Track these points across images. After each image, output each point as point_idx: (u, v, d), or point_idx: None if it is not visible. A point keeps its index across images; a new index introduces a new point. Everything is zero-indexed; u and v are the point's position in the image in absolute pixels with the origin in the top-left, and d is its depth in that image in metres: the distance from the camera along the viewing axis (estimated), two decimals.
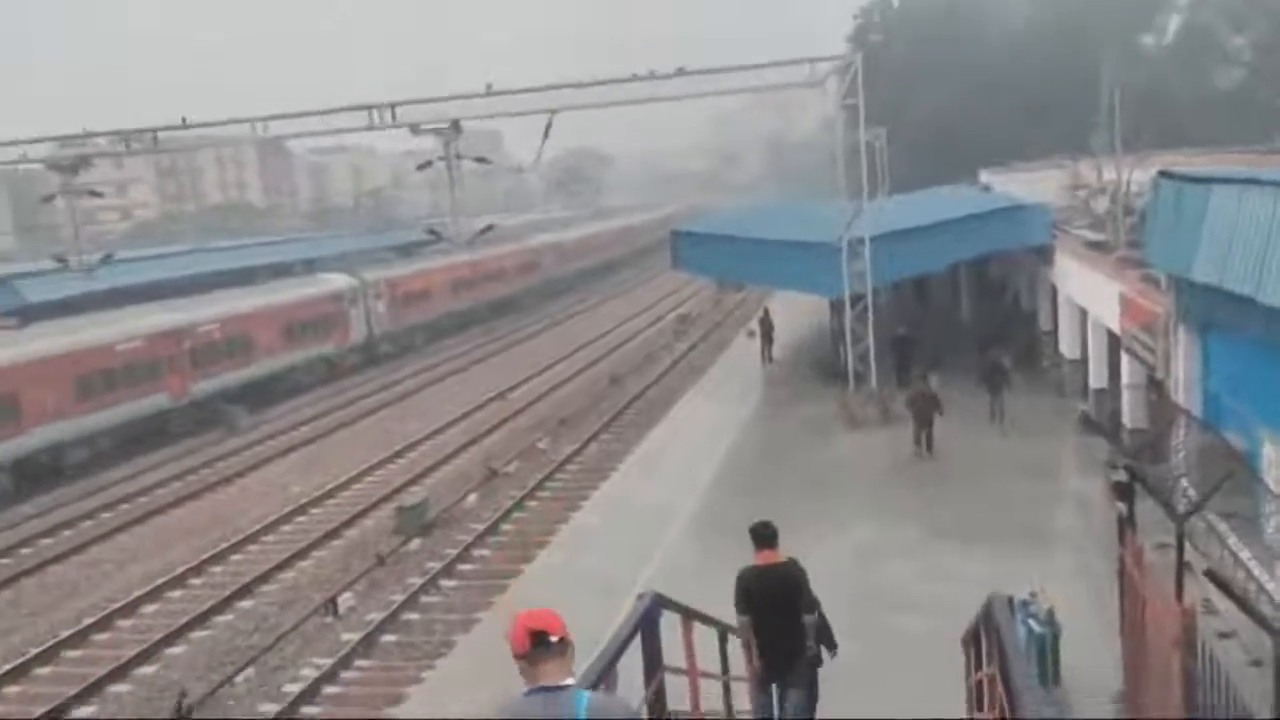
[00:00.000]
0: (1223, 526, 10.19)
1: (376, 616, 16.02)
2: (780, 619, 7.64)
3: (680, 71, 23.53)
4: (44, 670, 15.45)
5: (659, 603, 7.07)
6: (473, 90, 25.34)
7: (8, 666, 15.24)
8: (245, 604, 17.32)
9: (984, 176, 42.71)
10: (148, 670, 15.09)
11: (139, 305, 32.55)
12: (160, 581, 18.36)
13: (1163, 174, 14.32)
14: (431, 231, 48.28)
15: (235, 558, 19.69)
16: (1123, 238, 20.71)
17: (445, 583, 17.49)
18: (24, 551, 21.01)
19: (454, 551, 18.61)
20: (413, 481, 23.65)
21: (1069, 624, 10.80)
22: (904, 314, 33.02)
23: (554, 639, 3.67)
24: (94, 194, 35.25)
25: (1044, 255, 26.04)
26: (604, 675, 5.54)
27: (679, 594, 11.90)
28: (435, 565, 18.05)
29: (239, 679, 14.37)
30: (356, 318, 39.99)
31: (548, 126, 24.96)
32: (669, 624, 7.52)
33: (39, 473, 25.65)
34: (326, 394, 35.79)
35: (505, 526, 20.13)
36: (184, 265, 43.43)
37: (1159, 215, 14.33)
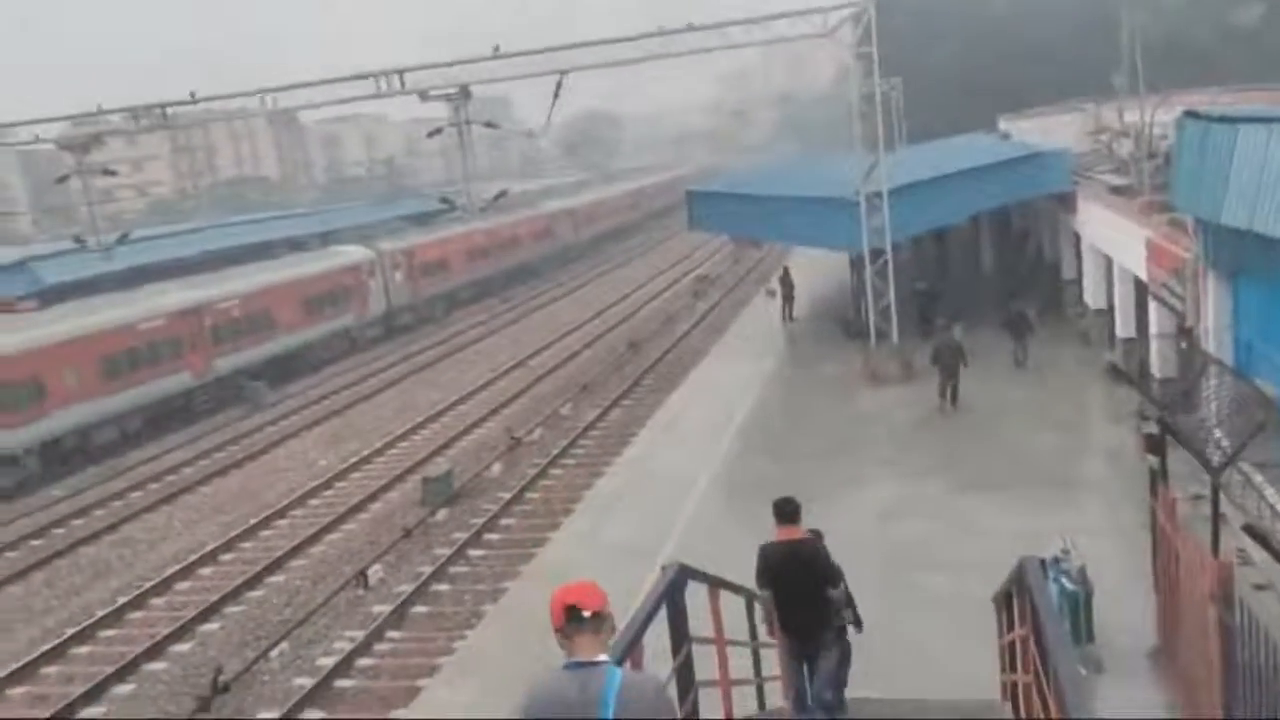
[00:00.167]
0: (1259, 478, 10.00)
1: (406, 588, 16.13)
2: (803, 594, 7.61)
3: (690, 27, 23.13)
4: (82, 650, 15.65)
5: (684, 573, 7.00)
6: (480, 54, 25.03)
7: (45, 648, 15.45)
8: (276, 579, 17.48)
9: (1002, 123, 42.03)
10: (183, 648, 15.27)
11: (158, 284, 32.66)
12: (191, 559, 18.55)
13: (1188, 114, 13.93)
14: (445, 200, 48.24)
15: (264, 533, 19.86)
16: (1147, 182, 20.27)
17: (473, 552, 17.57)
18: (56, 532, 21.26)
19: (480, 521, 18.68)
20: (437, 452, 23.72)
21: (1100, 579, 10.68)
22: (924, 268, 32.69)
23: (587, 614, 3.70)
24: (108, 172, 35.36)
25: (1066, 203, 25.62)
26: (630, 649, 5.49)
27: (703, 557, 11.88)
28: (462, 535, 18.12)
29: (273, 654, 14.52)
30: (375, 289, 39.99)
31: (557, 88, 24.66)
32: (695, 591, 7.49)
33: (66, 455, 25.89)
34: (348, 367, 35.91)
35: (530, 495, 20.17)
36: (201, 242, 43.58)
37: (1185, 157, 13.96)
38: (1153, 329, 18.07)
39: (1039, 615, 5.73)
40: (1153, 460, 10.24)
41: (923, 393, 21.47)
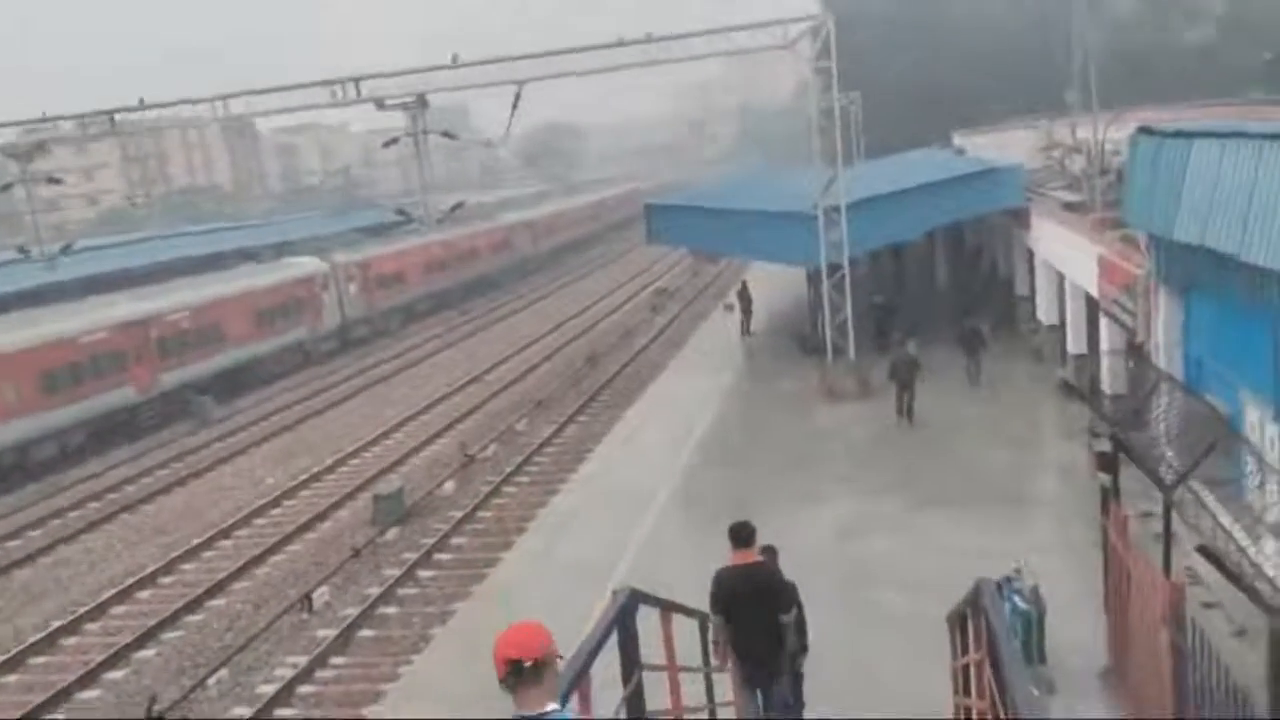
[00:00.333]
0: (1209, 496, 9.98)
1: (352, 611, 15.68)
2: (757, 620, 7.51)
3: (649, 37, 23.04)
4: (10, 678, 15.02)
5: (635, 598, 6.76)
6: (438, 63, 24.76)
7: None
8: (217, 602, 16.93)
9: (957, 138, 42.44)
10: (116, 675, 14.70)
11: (103, 295, 31.84)
12: (129, 582, 17.93)
13: (1141, 130, 13.99)
14: (401, 212, 47.72)
15: (207, 554, 19.27)
16: (1100, 198, 20.43)
17: (423, 573, 17.16)
18: None
19: (431, 541, 18.28)
20: (389, 469, 23.25)
21: (1052, 597, 10.58)
22: (881, 283, 32.82)
23: (528, 664, 3.54)
24: (53, 181, 34.50)
25: (1019, 219, 25.78)
26: (577, 681, 5.24)
27: (659, 575, 11.63)
28: (412, 556, 17.71)
29: (211, 681, 14.01)
30: (329, 302, 39.34)
31: (516, 98, 24.48)
32: (647, 614, 7.26)
33: (4, 472, 25.04)
34: (300, 381, 35.24)
35: (483, 513, 19.79)
36: (150, 253, 42.70)
37: (1137, 173, 14.02)
38: (1104, 345, 18.15)
39: (996, 641, 5.56)
40: (1104, 478, 10.18)
41: (879, 409, 21.44)
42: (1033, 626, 10.07)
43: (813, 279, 27.12)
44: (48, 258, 33.30)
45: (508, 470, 21.88)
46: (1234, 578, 6.48)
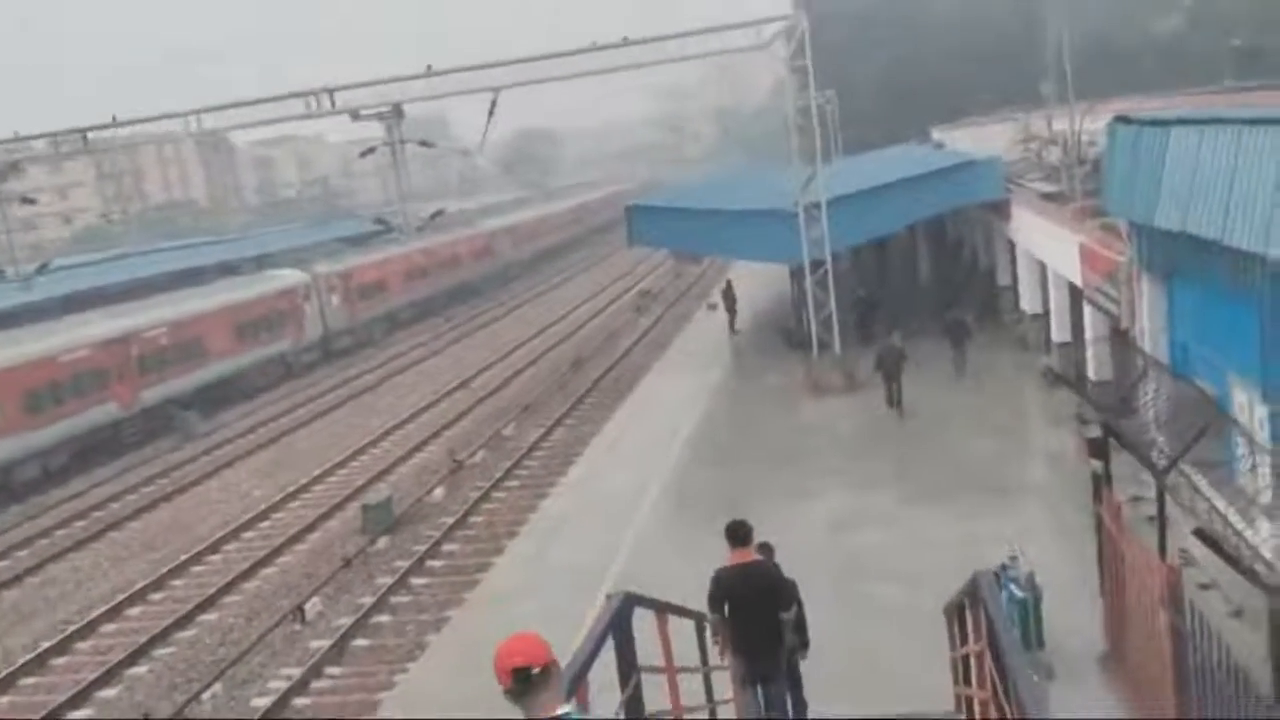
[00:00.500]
0: (1200, 480, 10.04)
1: (345, 621, 15.58)
2: (758, 617, 7.52)
3: (625, 41, 23.03)
4: (0, 700, 14.82)
5: (630, 601, 6.74)
6: (413, 72, 24.66)
7: None
8: (209, 617, 16.77)
9: (935, 134, 42.66)
10: (109, 693, 14.54)
11: (82, 314, 31.55)
12: (119, 599, 17.73)
13: (1119, 119, 14.07)
14: (380, 220, 47.52)
15: (196, 569, 19.09)
16: (1079, 188, 20.57)
17: (415, 581, 17.06)
18: None
19: (422, 548, 18.18)
20: (377, 478, 23.11)
21: (1047, 584, 10.62)
22: (864, 278, 32.95)
23: (536, 670, 3.50)
24: (27, 200, 34.15)
25: (999, 210, 25.94)
26: (575, 686, 5.22)
27: (652, 576, 11.61)
28: (404, 564, 17.61)
29: (205, 696, 13.88)
30: (310, 313, 39.10)
31: (492, 105, 24.40)
32: (643, 614, 7.24)
33: None
34: (284, 394, 35.01)
35: (474, 519, 19.71)
36: (127, 269, 42.33)
37: (1116, 162, 14.10)
38: (1088, 333, 18.26)
39: (996, 632, 5.57)
40: (1096, 464, 10.24)
41: (866, 402, 21.53)
42: (1029, 613, 10.11)
43: (796, 276, 27.19)
44: (23, 278, 32.95)
45: (497, 475, 21.80)
46: (1232, 560, 6.51)
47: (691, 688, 8.39)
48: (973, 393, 21.54)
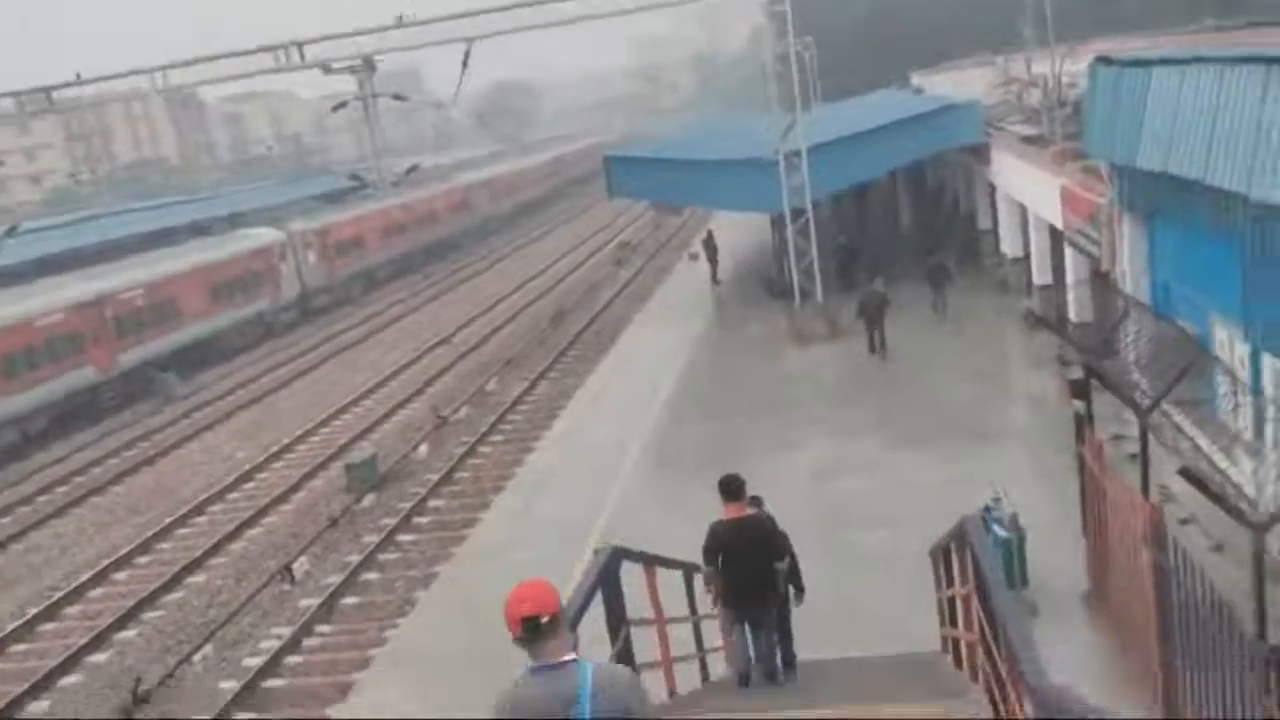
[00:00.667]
0: (1179, 417, 10.11)
1: (334, 580, 15.57)
2: (752, 569, 7.62)
3: None
4: None
5: (618, 555, 6.75)
6: (384, 24, 24.15)
7: None
8: (197, 579, 16.73)
9: (915, 79, 42.30)
10: (99, 658, 14.51)
11: (54, 277, 31.07)
12: (105, 564, 17.65)
13: (1100, 60, 13.96)
14: (354, 177, 46.84)
15: (182, 532, 19.03)
16: (1059, 130, 20.48)
17: (402, 538, 17.06)
18: None
19: (408, 505, 18.15)
20: (360, 436, 23.02)
21: (1030, 524, 10.74)
22: (845, 225, 32.87)
23: (545, 619, 3.65)
24: None
25: (979, 154, 25.83)
26: None
27: (640, 527, 11.65)
28: (390, 521, 17.59)
29: (196, 658, 13.88)
30: (287, 272, 38.66)
31: (466, 56, 24.05)
32: (631, 565, 7.26)
33: None
34: (263, 354, 34.74)
35: (459, 474, 19.69)
36: (99, 231, 41.65)
37: (1098, 103, 14.02)
38: (1069, 275, 18.30)
39: (983, 574, 5.60)
40: (1078, 405, 10.29)
41: (849, 349, 21.58)
42: (1013, 553, 10.22)
43: (777, 224, 27.08)
44: None
45: (481, 431, 21.76)
46: (1218, 498, 6.55)
47: (680, 637, 8.46)
48: (954, 337, 21.62)
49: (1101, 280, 15.81)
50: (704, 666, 8.91)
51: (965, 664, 7.30)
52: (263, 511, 19.16)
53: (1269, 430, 10.05)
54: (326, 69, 26.17)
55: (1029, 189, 20.77)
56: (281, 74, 25.82)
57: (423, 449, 21.49)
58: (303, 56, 24.79)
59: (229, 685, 13.02)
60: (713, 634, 8.68)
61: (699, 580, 8.37)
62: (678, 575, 8.60)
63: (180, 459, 23.94)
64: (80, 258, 35.48)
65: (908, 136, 26.55)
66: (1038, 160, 20.09)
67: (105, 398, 29.16)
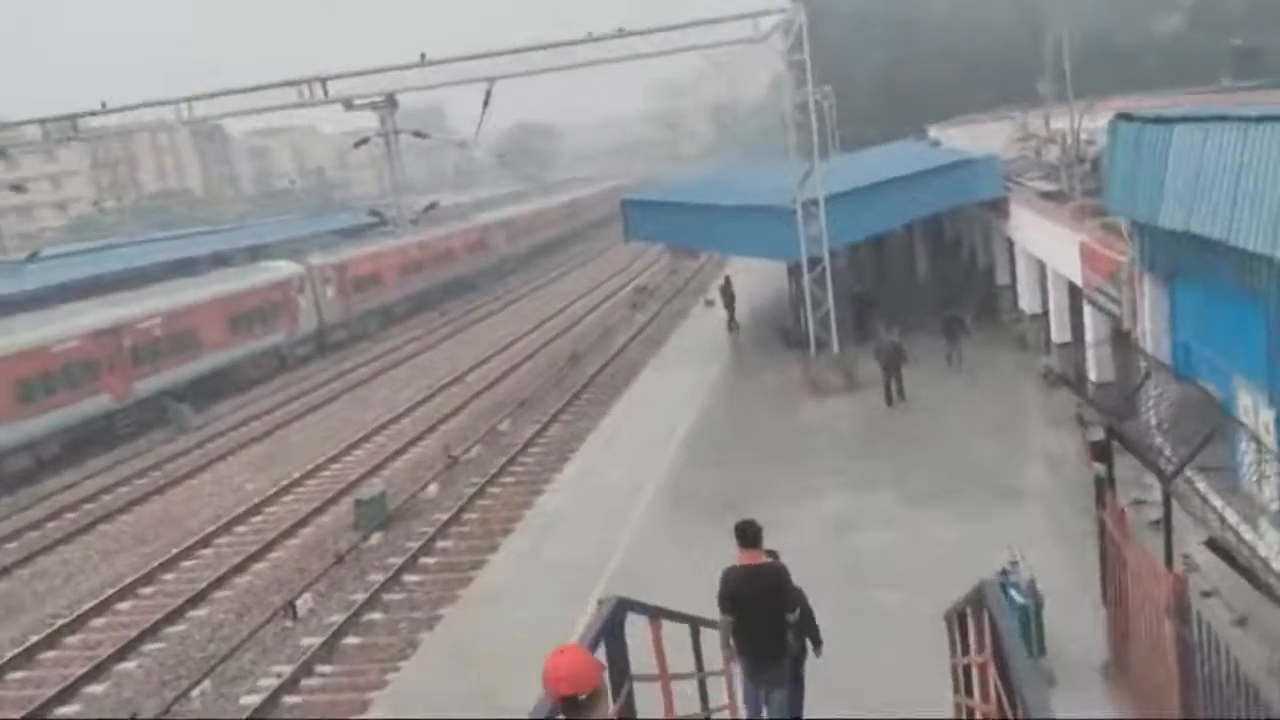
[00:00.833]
0: (1201, 484, 9.90)
1: (337, 618, 15.42)
2: (763, 619, 7.46)
3: (621, 32, 22.81)
4: None
5: (623, 607, 6.57)
6: (407, 61, 24.42)
7: None
8: (199, 612, 16.61)
9: (932, 131, 42.50)
10: (97, 689, 14.38)
11: (75, 303, 31.31)
12: (109, 593, 17.56)
13: (1121, 116, 13.90)
14: (374, 212, 47.18)
15: (187, 563, 18.93)
16: (1078, 187, 20.42)
17: (408, 578, 16.90)
18: None
19: (415, 545, 18.02)
20: (371, 473, 22.94)
21: (1048, 589, 10.47)
22: (862, 275, 32.82)
23: (583, 698, 3.69)
24: (16, 188, 33.82)
25: (998, 208, 25.78)
26: None
27: (649, 575, 11.44)
28: (397, 560, 17.45)
29: (194, 693, 13.73)
30: (305, 306, 38.89)
31: (487, 95, 24.19)
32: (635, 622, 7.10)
33: None
34: (278, 386, 34.82)
35: (468, 515, 19.55)
36: (120, 259, 42.04)
37: (1118, 160, 13.93)
38: (1089, 333, 18.12)
39: (1002, 643, 5.41)
40: (1099, 468, 10.10)
41: (865, 402, 21.41)
42: (1030, 619, 9.96)
43: (793, 272, 27.03)
44: (13, 266, 32.64)
45: (492, 471, 21.65)
46: (1247, 573, 6.37)
47: (686, 692, 8.25)
48: (972, 392, 21.40)
49: (1122, 340, 15.65)
50: None
51: None
52: (269, 546, 19.05)
53: None
54: (349, 105, 26.39)
55: (1048, 245, 20.67)
56: (305, 109, 26.01)
57: (432, 488, 21.37)
58: (326, 92, 25.02)
59: None
60: (719, 692, 8.46)
61: (708, 638, 8.17)
62: (685, 630, 8.40)
63: (190, 489, 23.90)
64: (101, 285, 35.77)
65: (926, 189, 26.54)
66: (1057, 216, 20.00)
67: (119, 425, 29.23)
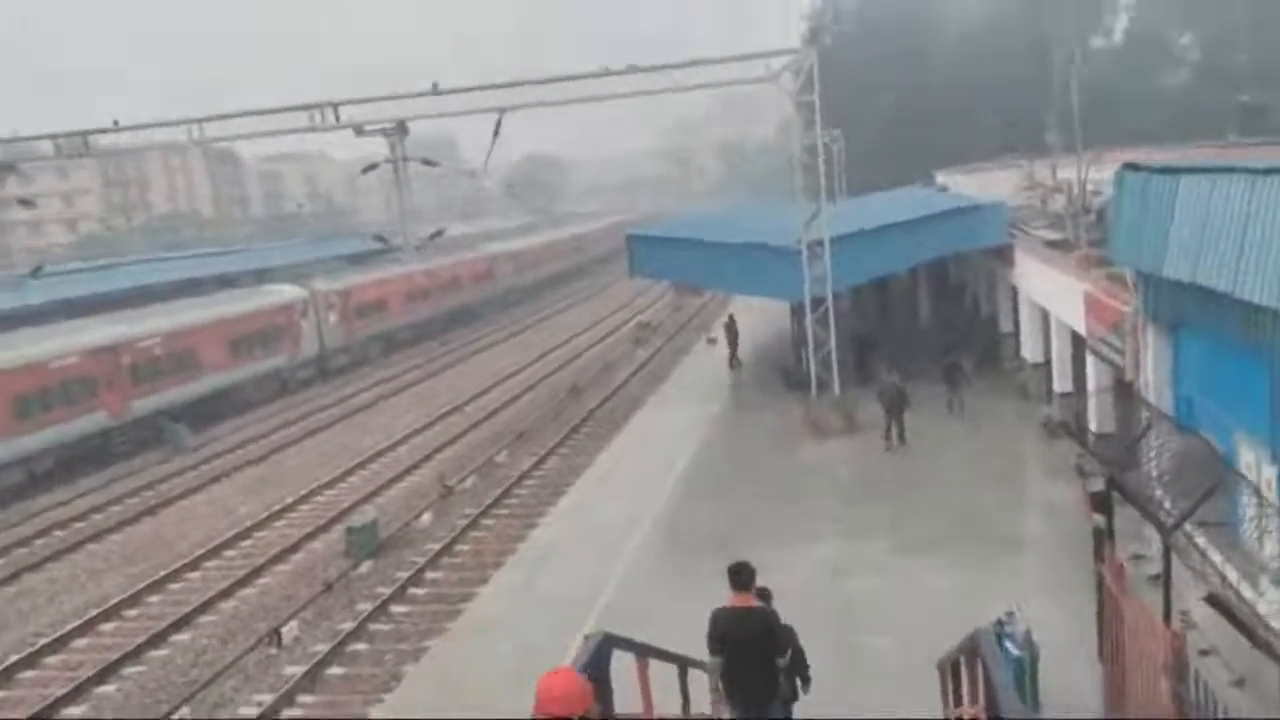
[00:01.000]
0: (1200, 539, 9.74)
1: (322, 648, 15.18)
2: (753, 662, 7.30)
3: (631, 68, 22.97)
4: None
5: (609, 643, 6.43)
6: (418, 89, 24.61)
7: None
8: (183, 637, 16.37)
9: (939, 178, 42.67)
10: (74, 712, 14.13)
11: (75, 320, 31.31)
12: (93, 613, 17.33)
13: (1128, 166, 13.90)
14: (378, 238, 47.33)
15: (174, 586, 18.70)
16: (1084, 236, 20.42)
17: (396, 608, 16.67)
18: None
19: (406, 574, 17.79)
20: (365, 500, 22.75)
21: (1043, 641, 10.29)
22: (865, 318, 32.80)
23: None
24: (25, 204, 33.98)
25: (1003, 256, 25.79)
26: None
27: (641, 612, 11.25)
28: (385, 590, 17.22)
29: (173, 719, 13.46)
30: (307, 330, 38.87)
31: (497, 125, 24.36)
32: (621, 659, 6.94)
33: None
34: (277, 409, 34.69)
35: (461, 546, 19.34)
36: (125, 277, 42.14)
37: (1124, 210, 13.92)
38: (1091, 383, 18.01)
39: (997, 695, 5.27)
40: (1098, 519, 9.94)
41: (865, 446, 21.26)
42: (1025, 672, 9.77)
43: (796, 312, 26.98)
44: (17, 280, 32.72)
45: (487, 502, 21.46)
46: (1247, 631, 6.21)
47: None
48: (972, 439, 21.26)
49: (1124, 390, 15.53)
50: None
51: None
52: (258, 571, 18.83)
53: None
54: (359, 131, 26.56)
55: (1052, 293, 20.63)
56: (316, 134, 26.20)
57: (426, 517, 21.18)
58: (337, 117, 25.17)
59: None
60: None
61: (695, 679, 8.00)
62: (673, 670, 8.24)
63: (183, 510, 23.72)
64: (104, 303, 35.82)
65: (931, 233, 26.56)
66: (1062, 265, 19.97)
67: (115, 443, 29.09)
